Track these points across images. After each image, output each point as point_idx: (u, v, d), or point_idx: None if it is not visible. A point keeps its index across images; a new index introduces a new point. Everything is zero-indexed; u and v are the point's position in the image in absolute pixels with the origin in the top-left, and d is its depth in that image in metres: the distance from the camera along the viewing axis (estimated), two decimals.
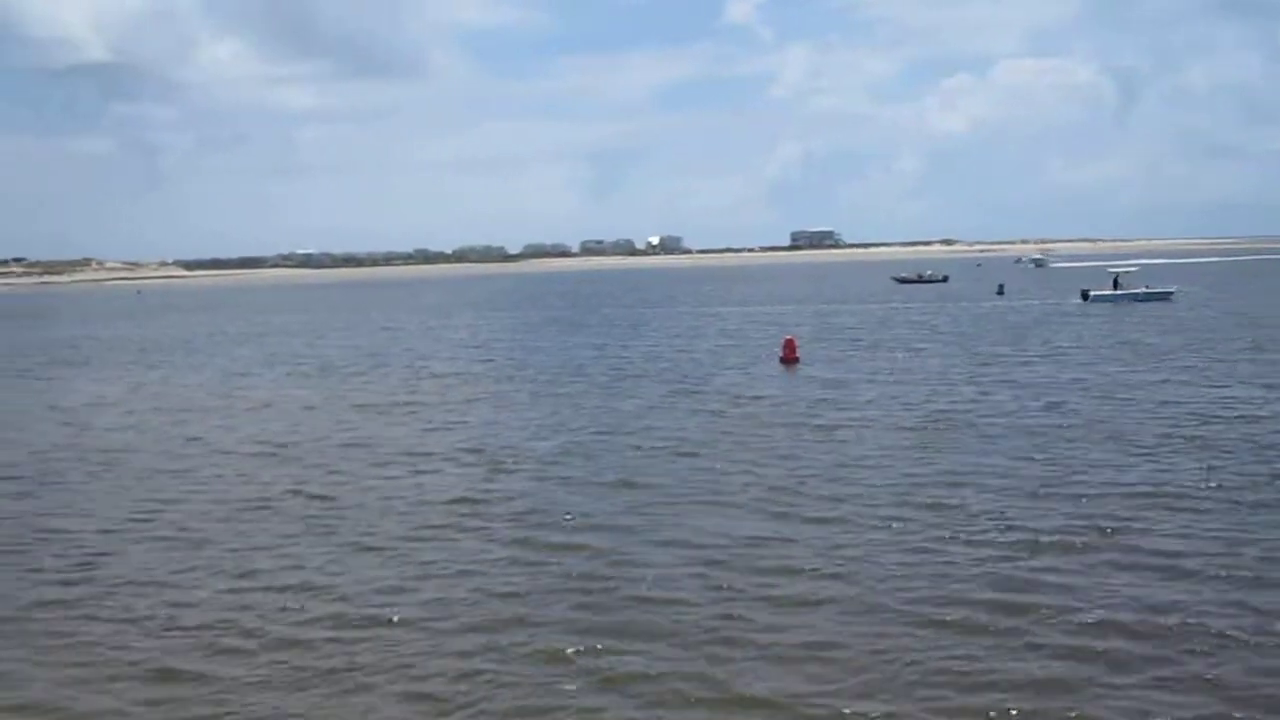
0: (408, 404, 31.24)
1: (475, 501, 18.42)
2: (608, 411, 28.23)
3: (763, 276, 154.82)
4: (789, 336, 42.40)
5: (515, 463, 21.74)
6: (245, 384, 38.31)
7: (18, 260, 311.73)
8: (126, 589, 14.27)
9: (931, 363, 37.25)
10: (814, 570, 13.91)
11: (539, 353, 46.42)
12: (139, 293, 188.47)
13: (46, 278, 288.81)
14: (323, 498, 19.18)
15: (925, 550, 14.57)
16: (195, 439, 26.23)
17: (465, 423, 27.39)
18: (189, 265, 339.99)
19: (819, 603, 12.81)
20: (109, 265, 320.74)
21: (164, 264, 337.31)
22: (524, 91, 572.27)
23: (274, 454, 23.81)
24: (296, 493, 19.64)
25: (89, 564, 15.51)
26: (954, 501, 17.09)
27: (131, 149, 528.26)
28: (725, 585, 13.46)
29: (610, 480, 19.75)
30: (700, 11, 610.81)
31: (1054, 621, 11.88)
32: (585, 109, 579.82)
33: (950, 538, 15.02)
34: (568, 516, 17.03)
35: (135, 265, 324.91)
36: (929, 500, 17.18)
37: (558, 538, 15.92)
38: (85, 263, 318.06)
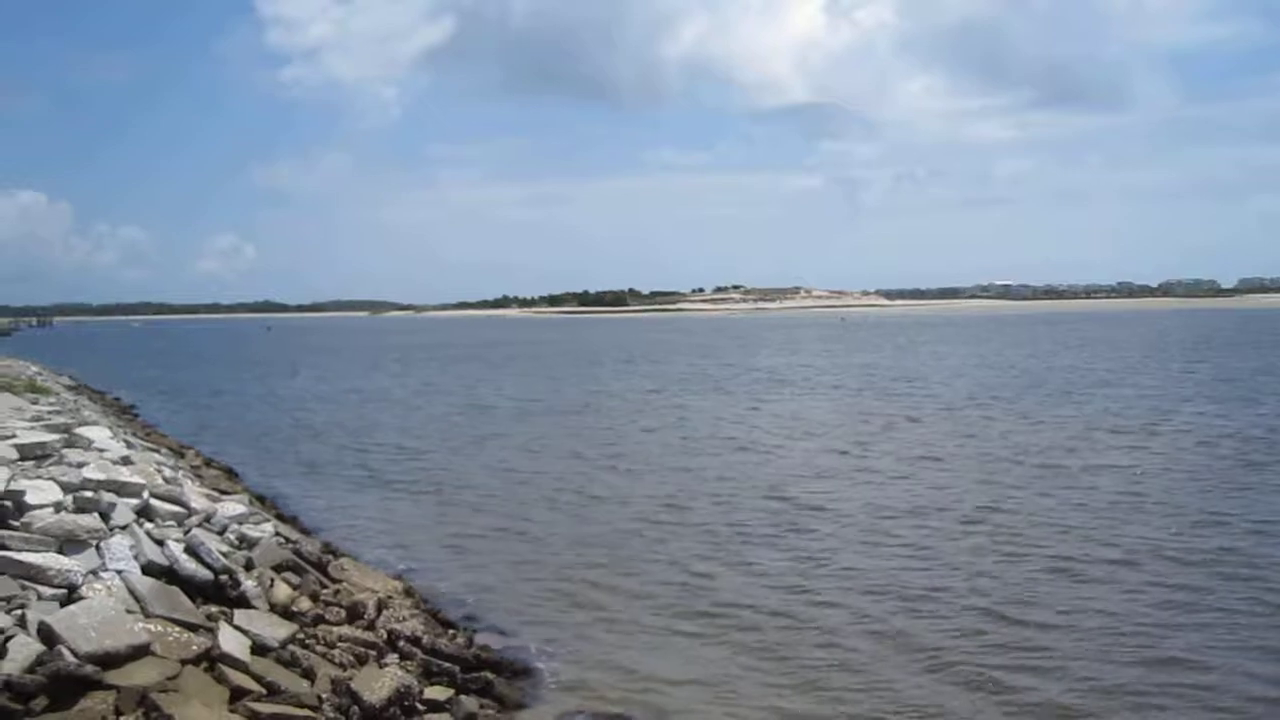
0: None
1: None
2: None
3: None
4: None
5: None
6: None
7: (736, 287, 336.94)
8: None
9: None
10: None
11: None
12: (842, 320, 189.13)
13: (761, 303, 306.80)
14: None
15: None
16: None
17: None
18: (889, 294, 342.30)
19: None
20: (816, 293, 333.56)
21: (866, 293, 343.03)
22: (1235, 113, 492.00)
23: None
24: None
25: None
26: None
27: (836, 184, 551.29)
28: None
29: None
30: None
31: None
32: None
33: None
34: None
35: (840, 293, 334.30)
36: None
37: None
38: (795, 290, 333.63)
